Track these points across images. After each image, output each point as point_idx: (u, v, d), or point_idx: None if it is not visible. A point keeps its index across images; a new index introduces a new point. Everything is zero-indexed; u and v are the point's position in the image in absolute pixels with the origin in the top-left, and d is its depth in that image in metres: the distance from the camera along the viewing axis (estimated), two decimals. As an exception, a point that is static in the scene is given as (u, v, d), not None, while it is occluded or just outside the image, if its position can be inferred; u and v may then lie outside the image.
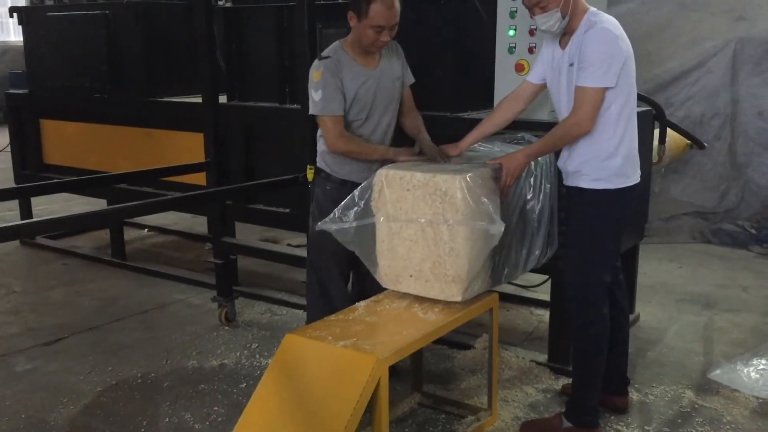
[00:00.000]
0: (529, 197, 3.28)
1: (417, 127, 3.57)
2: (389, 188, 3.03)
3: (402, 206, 3.01)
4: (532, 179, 3.29)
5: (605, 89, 2.94)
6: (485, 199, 2.93)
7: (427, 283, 3.01)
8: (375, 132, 3.50)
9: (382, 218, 3.07)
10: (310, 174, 3.66)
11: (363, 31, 3.28)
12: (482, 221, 2.88)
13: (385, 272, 3.13)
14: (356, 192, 3.12)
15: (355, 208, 3.10)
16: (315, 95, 3.33)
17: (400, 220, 3.01)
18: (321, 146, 3.54)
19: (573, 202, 3.19)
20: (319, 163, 3.58)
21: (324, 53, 3.36)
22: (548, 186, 3.37)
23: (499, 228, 2.87)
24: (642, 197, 4.16)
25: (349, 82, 3.35)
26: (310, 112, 3.40)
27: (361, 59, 3.40)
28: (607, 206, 3.09)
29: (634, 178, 3.12)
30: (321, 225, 3.11)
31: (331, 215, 3.11)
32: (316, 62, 3.37)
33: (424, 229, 2.96)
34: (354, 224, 3.09)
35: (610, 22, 3.00)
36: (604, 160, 3.03)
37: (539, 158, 3.27)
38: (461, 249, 2.89)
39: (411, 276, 3.04)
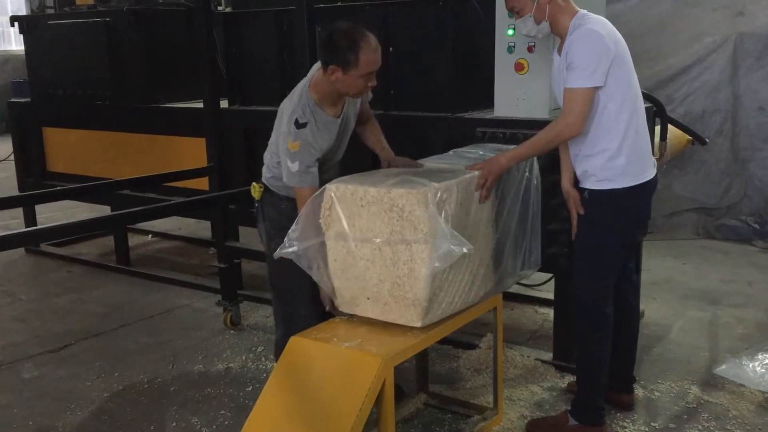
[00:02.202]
0: (504, 213, 3.14)
1: (378, 141, 3.40)
2: (341, 204, 2.78)
3: (356, 223, 2.76)
4: (508, 198, 3.16)
5: (595, 89, 2.93)
6: (449, 216, 2.71)
7: (386, 307, 2.78)
8: (331, 168, 3.32)
9: (333, 236, 2.83)
10: (257, 191, 3.39)
11: (351, 82, 3.02)
12: (445, 240, 2.61)
13: (340, 294, 2.90)
14: (307, 206, 2.87)
15: (301, 228, 2.85)
16: (291, 166, 3.06)
17: (354, 238, 2.77)
18: (273, 170, 3.30)
19: (582, 203, 3.17)
20: (270, 183, 3.35)
21: (300, 117, 3.06)
22: (521, 202, 3.24)
23: (462, 249, 2.62)
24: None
25: (322, 139, 3.13)
26: (285, 181, 3.13)
27: (329, 108, 3.16)
28: (614, 206, 3.07)
29: (643, 176, 3.07)
30: (279, 252, 2.86)
31: (286, 239, 2.86)
32: (292, 129, 3.05)
33: (381, 248, 2.72)
34: (312, 242, 2.84)
35: (598, 22, 2.99)
36: (609, 161, 3.02)
37: (514, 174, 3.19)
38: (421, 270, 2.64)
39: (368, 298, 2.82)
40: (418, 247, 2.63)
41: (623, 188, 3.03)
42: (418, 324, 2.73)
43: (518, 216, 3.23)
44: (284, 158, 3.10)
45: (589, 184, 3.10)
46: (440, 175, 2.86)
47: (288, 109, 3.14)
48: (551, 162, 3.51)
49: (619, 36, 3.04)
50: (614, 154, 3.01)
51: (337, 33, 3.02)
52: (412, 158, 3.28)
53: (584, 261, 3.17)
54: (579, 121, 2.94)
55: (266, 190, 3.36)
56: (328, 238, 2.84)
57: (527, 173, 3.26)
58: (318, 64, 3.16)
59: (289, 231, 2.86)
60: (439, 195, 2.68)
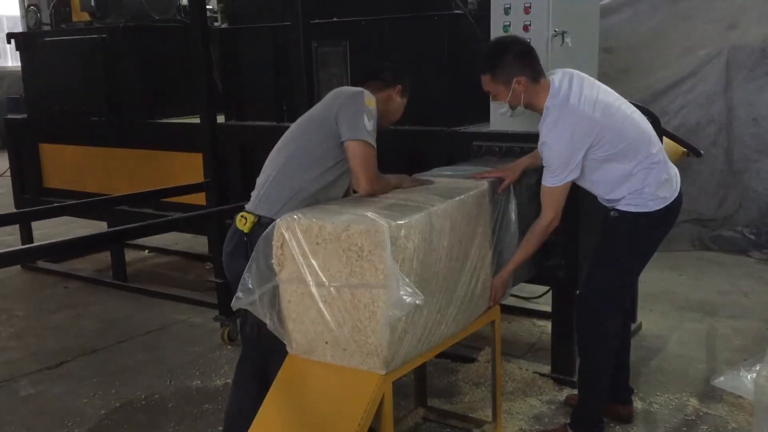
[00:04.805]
0: (475, 244, 2.94)
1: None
2: (294, 241, 2.52)
3: (311, 262, 2.51)
4: (479, 230, 2.97)
5: (567, 183, 3.00)
6: (413, 254, 2.51)
7: (346, 352, 2.55)
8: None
9: (286, 277, 2.57)
10: (245, 224, 2.85)
11: (400, 109, 3.13)
12: (398, 289, 2.39)
13: (294, 338, 2.65)
14: (257, 247, 2.60)
15: (254, 270, 2.59)
16: (368, 124, 2.79)
17: (310, 279, 2.52)
18: (291, 189, 2.85)
19: (609, 220, 3.16)
20: (274, 212, 2.79)
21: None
22: (495, 234, 3.10)
23: (415, 300, 2.39)
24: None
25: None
26: (357, 136, 2.78)
27: None
28: (642, 226, 3.08)
29: (670, 198, 3.07)
30: (235, 303, 2.62)
31: (240, 287, 2.60)
32: (366, 91, 2.89)
33: (340, 290, 2.49)
34: (267, 287, 2.59)
35: (568, 106, 2.97)
36: (634, 196, 3.04)
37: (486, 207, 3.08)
38: (384, 315, 2.42)
39: (327, 343, 2.58)
40: (380, 291, 2.41)
41: (652, 211, 3.05)
42: (383, 372, 2.52)
43: (492, 246, 3.08)
44: (362, 116, 2.79)
45: (618, 206, 3.11)
46: (406, 206, 2.65)
47: (345, 87, 3.05)
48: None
49: (599, 95, 3.02)
50: (638, 191, 3.04)
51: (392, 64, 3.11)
52: (407, 173, 3.26)
53: (604, 274, 3.18)
54: (558, 215, 3.04)
55: (261, 223, 2.82)
56: (280, 279, 2.59)
57: (503, 206, 3.15)
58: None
59: (243, 277, 2.59)
60: (400, 232, 2.44)
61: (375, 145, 2.83)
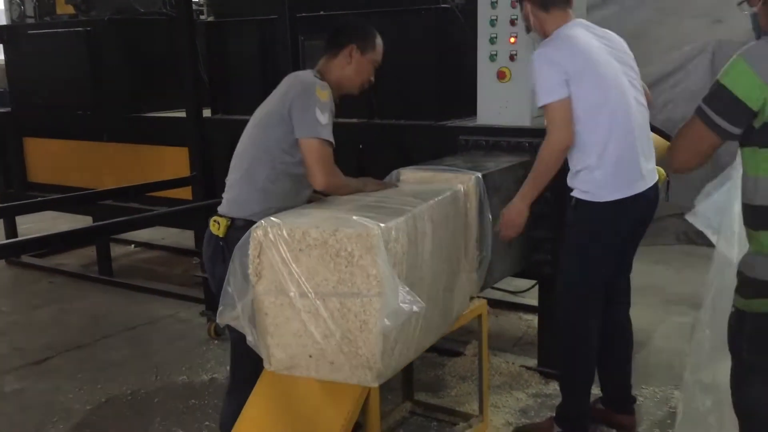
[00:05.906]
0: (451, 243, 2.85)
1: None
2: (273, 249, 2.35)
3: (293, 270, 2.34)
4: (458, 228, 2.91)
5: (563, 99, 2.89)
6: (401, 257, 2.37)
7: (333, 365, 2.40)
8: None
9: (264, 287, 2.40)
10: (219, 228, 2.76)
11: (364, 67, 2.96)
12: (395, 297, 2.26)
13: (272, 353, 2.47)
14: (233, 258, 2.44)
15: (233, 283, 2.43)
16: (321, 117, 2.70)
17: (292, 289, 2.35)
18: (260, 190, 2.78)
19: (569, 210, 3.11)
20: (246, 214, 2.73)
21: (318, 76, 2.85)
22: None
23: (413, 308, 2.27)
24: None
25: None
26: (310, 133, 2.70)
27: None
28: (595, 218, 3.01)
29: (627, 190, 2.96)
30: (219, 318, 2.49)
31: (222, 299, 2.45)
32: (318, 81, 2.79)
33: (326, 299, 2.33)
34: (244, 300, 2.43)
35: (556, 41, 2.99)
36: (587, 174, 2.97)
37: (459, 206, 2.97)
38: (377, 324, 2.28)
39: (311, 356, 2.42)
40: (372, 299, 2.28)
41: (603, 202, 2.96)
42: (375, 384, 2.42)
43: (471, 246, 3.02)
44: (313, 109, 2.71)
45: (574, 193, 3.06)
46: (384, 208, 2.54)
47: (298, 75, 2.92)
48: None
49: (593, 47, 2.99)
50: (592, 169, 2.96)
51: (353, 21, 3.02)
52: (395, 167, 3.24)
53: (566, 269, 3.16)
54: (562, 131, 2.90)
55: (234, 225, 2.75)
56: (257, 291, 2.42)
57: (479, 205, 3.05)
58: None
59: (224, 290, 2.45)
60: (391, 235, 2.32)
61: (331, 140, 2.74)
